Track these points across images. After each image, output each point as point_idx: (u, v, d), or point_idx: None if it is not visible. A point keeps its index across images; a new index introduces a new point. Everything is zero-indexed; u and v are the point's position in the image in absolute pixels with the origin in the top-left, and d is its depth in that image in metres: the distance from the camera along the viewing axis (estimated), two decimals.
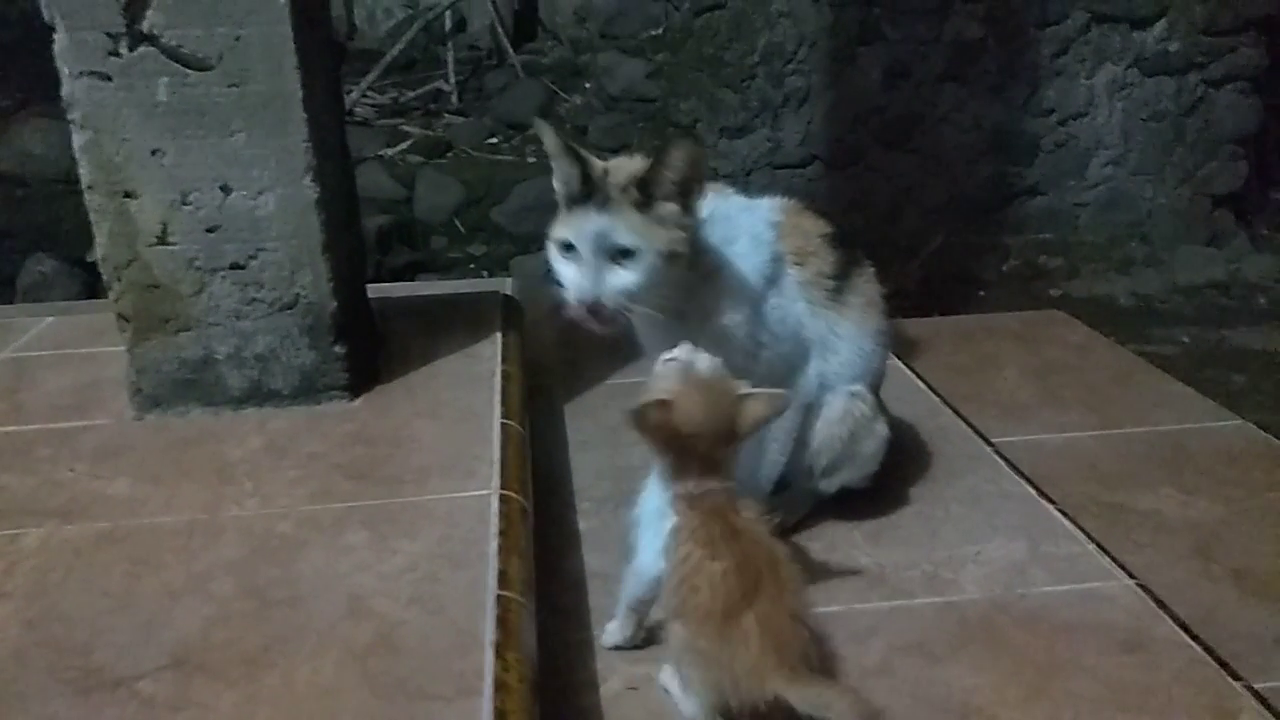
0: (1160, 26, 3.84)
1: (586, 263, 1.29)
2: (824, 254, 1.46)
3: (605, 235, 1.28)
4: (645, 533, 1.19)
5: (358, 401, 1.68)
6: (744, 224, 1.42)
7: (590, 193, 1.30)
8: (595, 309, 1.28)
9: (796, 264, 1.44)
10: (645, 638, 1.28)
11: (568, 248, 1.31)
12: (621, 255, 1.29)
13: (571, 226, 1.30)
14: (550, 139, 1.34)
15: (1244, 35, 3.84)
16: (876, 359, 1.53)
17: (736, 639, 1.03)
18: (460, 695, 1.04)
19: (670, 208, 1.31)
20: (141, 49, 1.48)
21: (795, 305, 1.44)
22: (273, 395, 1.65)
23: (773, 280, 1.41)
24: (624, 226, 1.28)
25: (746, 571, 1.06)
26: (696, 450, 1.12)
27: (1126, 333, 3.12)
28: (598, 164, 1.35)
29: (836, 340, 1.47)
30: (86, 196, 1.55)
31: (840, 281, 1.47)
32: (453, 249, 4.14)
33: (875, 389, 1.55)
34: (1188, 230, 3.95)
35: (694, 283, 1.37)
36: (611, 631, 1.29)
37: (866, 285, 1.52)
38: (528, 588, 1.26)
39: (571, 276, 1.30)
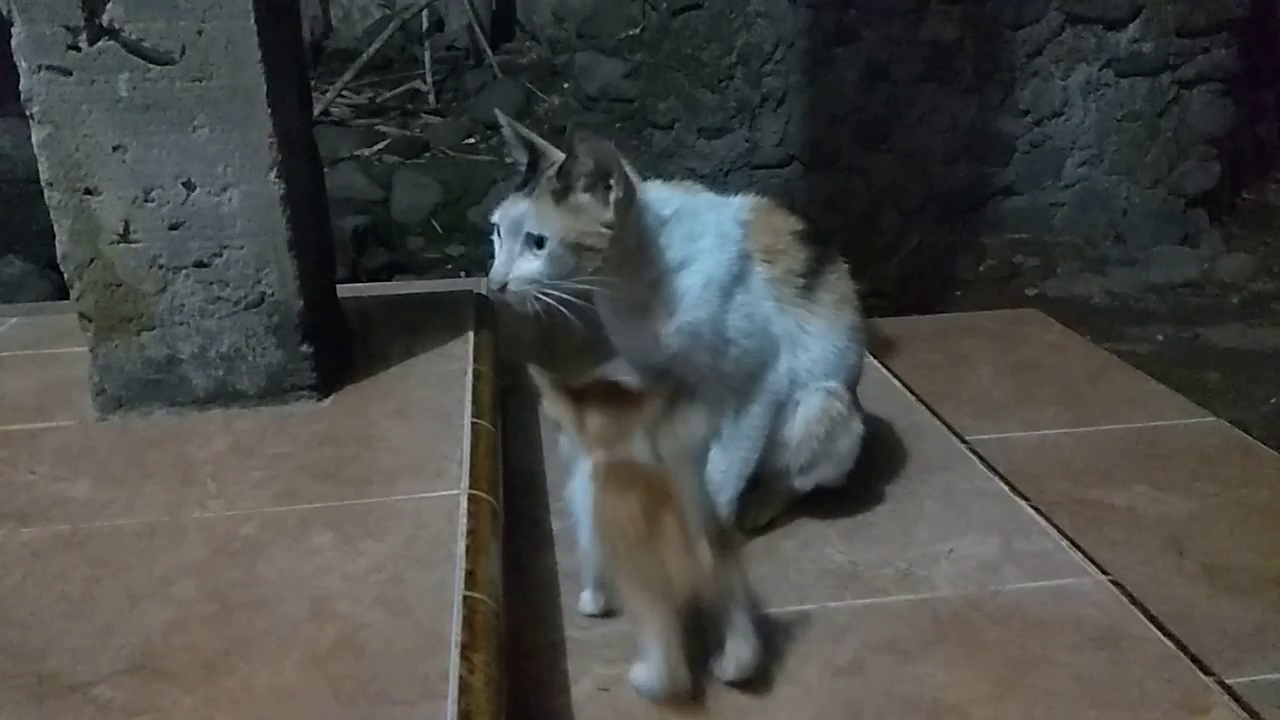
0: (1134, 27, 3.87)
1: (504, 246, 1.32)
2: (794, 251, 1.45)
3: (519, 221, 1.30)
4: (582, 517, 1.25)
5: (326, 402, 1.65)
6: (710, 221, 1.41)
7: (529, 181, 1.33)
8: (505, 292, 1.30)
9: (765, 262, 1.43)
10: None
11: (497, 231, 1.34)
12: (536, 243, 1.30)
13: (501, 210, 1.33)
14: (508, 128, 1.37)
15: (1217, 36, 3.88)
16: (851, 355, 1.52)
17: (663, 544, 1.11)
18: (424, 698, 1.02)
19: (585, 199, 1.31)
20: (101, 43, 1.45)
21: (763, 303, 1.43)
22: (238, 395, 1.62)
23: (739, 278, 1.40)
24: (535, 214, 1.29)
25: (654, 492, 1.14)
26: (602, 421, 1.23)
27: (1101, 331, 3.14)
28: (551, 154, 1.37)
29: (807, 337, 1.46)
30: (46, 193, 1.52)
31: (811, 279, 1.46)
32: (430, 249, 4.12)
33: (852, 386, 1.54)
34: (1162, 230, 3.98)
35: (655, 279, 1.37)
36: (585, 601, 1.35)
37: (839, 282, 1.51)
38: (496, 588, 1.25)
39: (494, 258, 1.33)
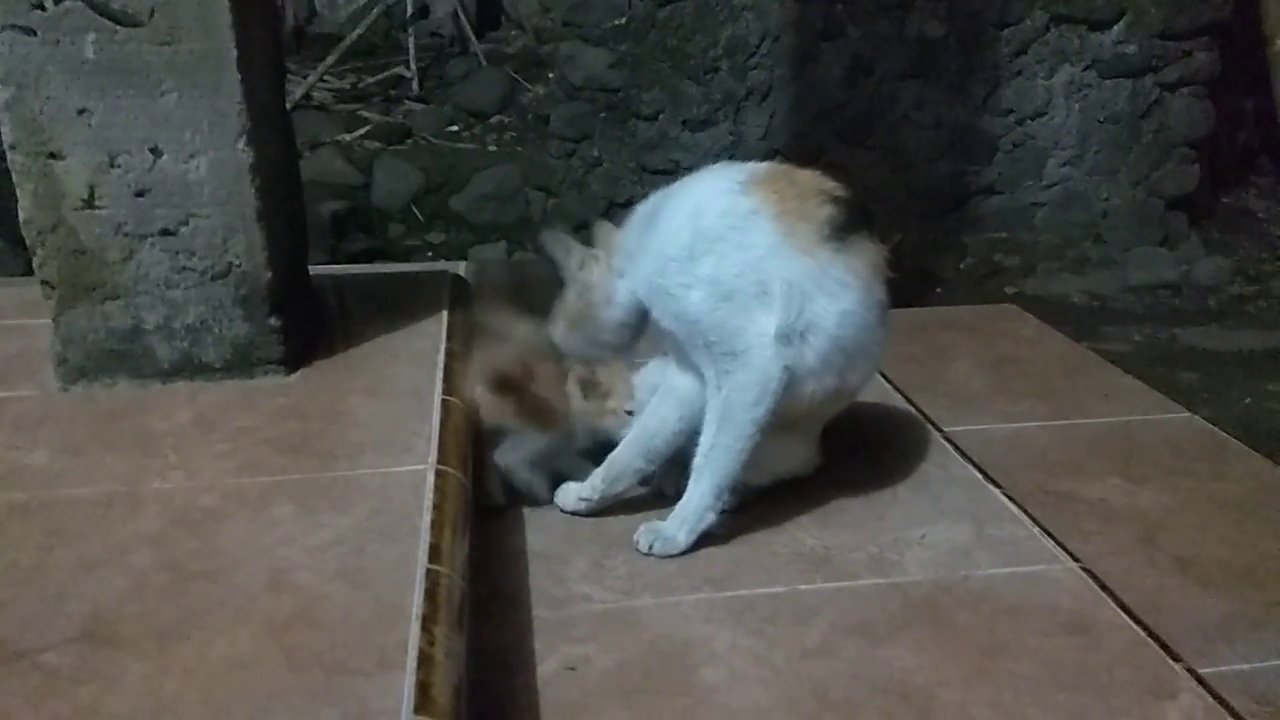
0: (1118, 29, 3.88)
1: None
2: (818, 200, 1.42)
3: None
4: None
5: (294, 376, 1.63)
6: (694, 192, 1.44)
7: None
8: None
9: (774, 207, 1.39)
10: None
11: None
12: None
13: None
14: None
15: (1199, 40, 3.89)
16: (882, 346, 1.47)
17: None
18: (381, 669, 1.00)
19: None
20: (68, 3, 1.42)
21: (769, 257, 1.38)
22: (204, 368, 1.59)
23: (722, 235, 1.40)
24: None
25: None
26: None
27: (1080, 331, 3.14)
28: None
29: (838, 288, 1.39)
30: (9, 157, 1.49)
31: (840, 233, 1.40)
32: (410, 236, 4.08)
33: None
34: (1141, 231, 3.99)
35: None
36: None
37: (874, 249, 1.44)
38: (460, 563, 1.23)
39: None
